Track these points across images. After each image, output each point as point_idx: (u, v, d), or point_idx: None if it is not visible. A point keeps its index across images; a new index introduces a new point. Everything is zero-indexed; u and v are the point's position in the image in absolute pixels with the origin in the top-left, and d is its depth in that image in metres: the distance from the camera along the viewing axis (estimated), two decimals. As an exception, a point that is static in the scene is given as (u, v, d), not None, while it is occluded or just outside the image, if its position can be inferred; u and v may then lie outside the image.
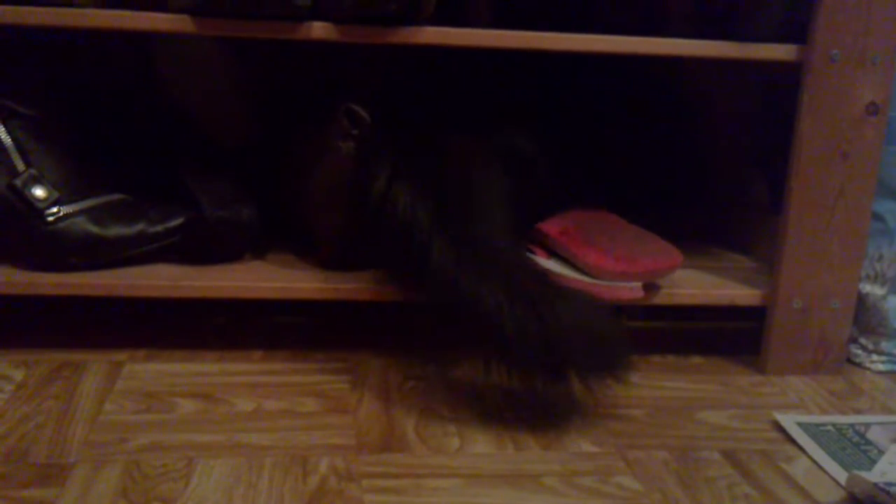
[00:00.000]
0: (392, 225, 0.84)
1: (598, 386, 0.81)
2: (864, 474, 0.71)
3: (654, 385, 0.91)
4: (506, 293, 0.79)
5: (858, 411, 0.88)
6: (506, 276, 0.81)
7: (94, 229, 0.88)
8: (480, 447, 0.77)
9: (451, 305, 0.82)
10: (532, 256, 0.94)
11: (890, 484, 0.68)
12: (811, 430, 0.82)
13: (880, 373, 0.98)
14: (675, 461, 0.76)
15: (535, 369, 0.81)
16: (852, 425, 0.84)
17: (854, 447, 0.80)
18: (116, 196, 0.92)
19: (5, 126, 0.87)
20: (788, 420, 0.84)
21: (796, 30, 0.90)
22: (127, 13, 0.82)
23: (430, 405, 0.84)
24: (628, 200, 1.06)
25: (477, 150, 0.93)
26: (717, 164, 1.15)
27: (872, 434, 0.82)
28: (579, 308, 0.81)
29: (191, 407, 0.81)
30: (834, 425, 0.84)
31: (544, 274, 0.87)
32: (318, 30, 0.84)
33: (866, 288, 0.98)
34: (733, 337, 1.05)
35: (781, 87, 0.97)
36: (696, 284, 0.96)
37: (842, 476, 0.74)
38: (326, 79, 1.11)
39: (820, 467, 0.76)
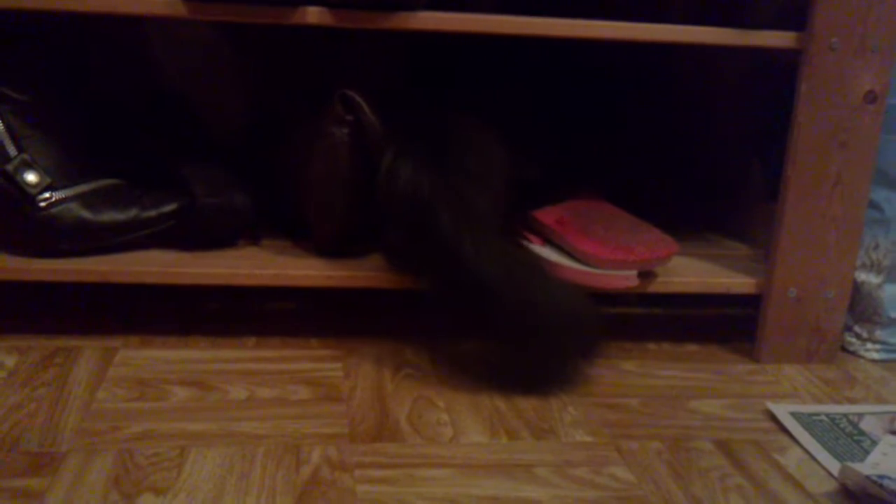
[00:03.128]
0: (396, 196, 0.84)
1: (573, 366, 0.88)
2: (856, 466, 0.71)
3: (648, 373, 0.91)
4: (504, 261, 0.82)
5: (852, 401, 0.88)
6: (503, 253, 0.83)
7: (87, 215, 0.88)
8: (473, 436, 0.77)
9: (452, 272, 0.83)
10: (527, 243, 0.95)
11: (882, 476, 0.68)
12: (804, 419, 0.82)
13: (874, 361, 0.98)
14: (668, 451, 0.76)
15: (521, 341, 0.84)
16: (846, 415, 0.84)
17: (847, 437, 0.80)
18: (109, 181, 0.91)
19: (-4, 111, 0.87)
20: (782, 410, 0.84)
21: (795, 16, 0.89)
22: (119, -3, 0.81)
23: (424, 394, 0.84)
24: (624, 187, 1.05)
25: (476, 125, 0.93)
26: (713, 150, 1.14)
27: (866, 424, 0.82)
28: (561, 293, 0.85)
29: (184, 394, 0.81)
30: (827, 415, 0.84)
31: (534, 256, 0.90)
32: (313, 15, 0.83)
33: (862, 276, 0.98)
34: (728, 324, 1.05)
35: (780, 72, 0.97)
36: (691, 272, 0.96)
37: (834, 467, 0.75)
38: (323, 64, 1.10)
39: (813, 458, 0.76)
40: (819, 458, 0.76)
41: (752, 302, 0.96)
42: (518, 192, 0.93)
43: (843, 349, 0.99)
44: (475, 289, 0.82)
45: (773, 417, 0.83)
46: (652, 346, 0.98)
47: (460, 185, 0.85)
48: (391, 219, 0.87)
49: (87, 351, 0.88)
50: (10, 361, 0.85)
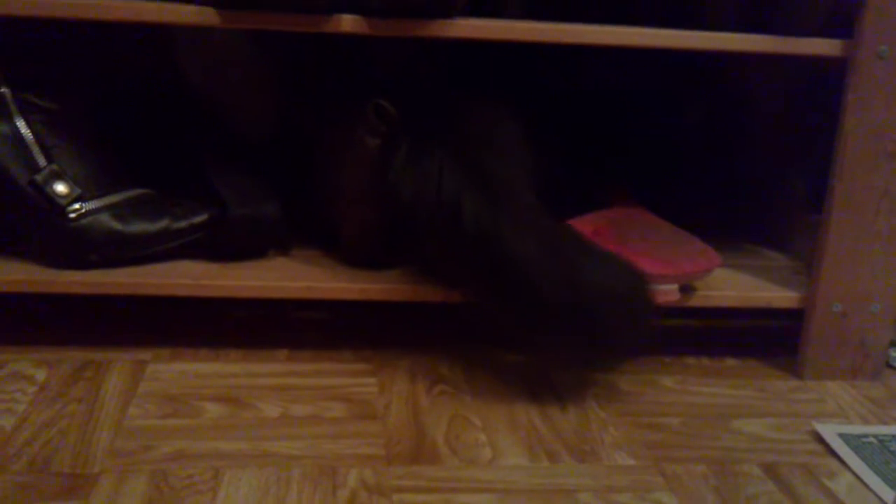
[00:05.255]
0: (420, 190, 0.81)
1: (622, 356, 0.85)
2: (911, 494, 0.69)
3: (688, 390, 0.89)
4: (540, 247, 0.78)
5: (900, 421, 0.86)
6: (540, 229, 0.80)
7: (117, 226, 0.86)
8: (513, 459, 0.75)
9: (485, 264, 0.79)
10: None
11: (940, 507, 0.66)
12: (853, 442, 0.80)
13: (920, 378, 0.95)
14: (714, 476, 0.74)
15: (563, 334, 0.80)
16: (895, 437, 0.81)
17: (897, 461, 0.77)
18: (139, 191, 0.89)
19: (26, 120, 0.85)
20: (829, 431, 0.81)
21: (843, 23, 0.87)
22: (150, 5, 0.79)
23: (460, 411, 0.82)
24: (662, 195, 1.03)
25: (494, 108, 0.90)
26: (754, 158, 1.12)
27: (916, 447, 0.80)
28: (611, 271, 0.80)
29: (216, 412, 0.79)
30: (876, 437, 0.81)
31: (576, 231, 0.85)
32: (348, 23, 0.81)
33: (908, 290, 0.95)
34: (769, 336, 1.03)
35: (827, 79, 0.94)
36: (732, 285, 0.93)
37: (886, 493, 0.72)
38: (351, 68, 1.08)
39: (864, 483, 0.74)
40: (870, 483, 0.74)
41: (790, 313, 0.94)
42: (553, 198, 0.91)
43: (888, 365, 0.97)
44: (516, 271, 0.77)
45: (820, 439, 0.81)
46: (690, 360, 0.96)
47: (487, 164, 0.82)
48: (420, 221, 0.83)
49: (118, 364, 0.86)
50: (40, 375, 0.83)
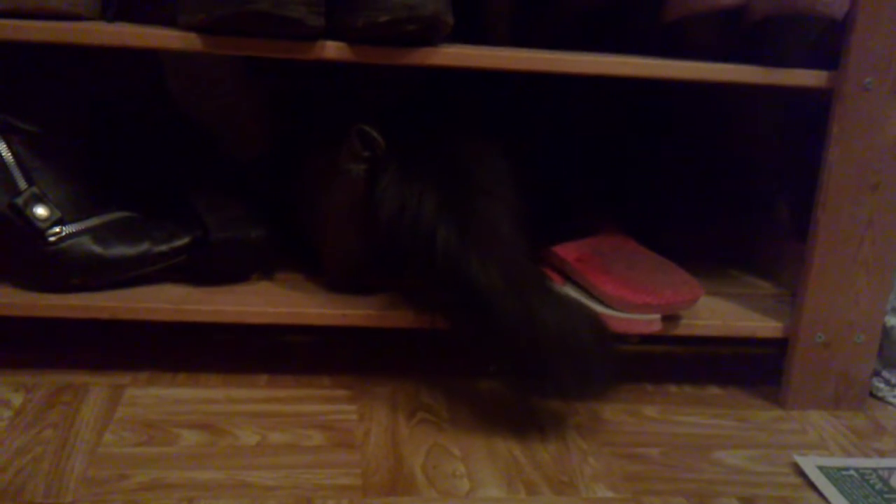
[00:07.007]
0: (399, 215, 0.82)
1: (576, 401, 0.87)
2: (889, 532, 0.69)
3: (670, 420, 0.88)
4: (503, 281, 0.78)
5: (881, 453, 0.85)
6: (507, 264, 0.80)
7: (97, 249, 0.86)
8: (491, 490, 0.74)
9: (451, 290, 0.80)
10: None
11: (918, 546, 0.66)
12: (833, 475, 0.80)
13: (903, 408, 0.95)
14: (693, 510, 0.73)
15: (518, 372, 0.82)
16: (875, 470, 0.81)
17: (877, 495, 0.77)
18: (121, 214, 0.89)
19: (6, 142, 0.85)
20: (809, 463, 0.81)
21: (828, 55, 0.87)
22: (134, 29, 0.79)
23: (440, 441, 0.81)
24: (646, 221, 1.03)
25: (482, 144, 0.90)
26: (739, 185, 1.12)
27: (897, 481, 0.80)
28: (570, 316, 0.80)
29: (193, 439, 0.78)
30: (856, 470, 0.81)
31: (543, 273, 0.86)
32: (332, 50, 0.81)
33: (891, 321, 0.95)
34: (751, 364, 1.02)
35: (811, 107, 0.94)
36: (716, 315, 0.93)
37: (865, 529, 0.72)
38: (337, 89, 1.08)
39: (842, 518, 0.74)
40: (849, 518, 0.74)
41: (775, 341, 0.94)
42: (536, 225, 0.91)
43: (871, 394, 0.96)
44: (478, 301, 0.78)
45: (800, 471, 0.80)
46: (673, 388, 0.96)
47: (464, 201, 0.82)
48: (395, 243, 0.84)
49: (95, 388, 0.86)
50: (16, 400, 0.83)
